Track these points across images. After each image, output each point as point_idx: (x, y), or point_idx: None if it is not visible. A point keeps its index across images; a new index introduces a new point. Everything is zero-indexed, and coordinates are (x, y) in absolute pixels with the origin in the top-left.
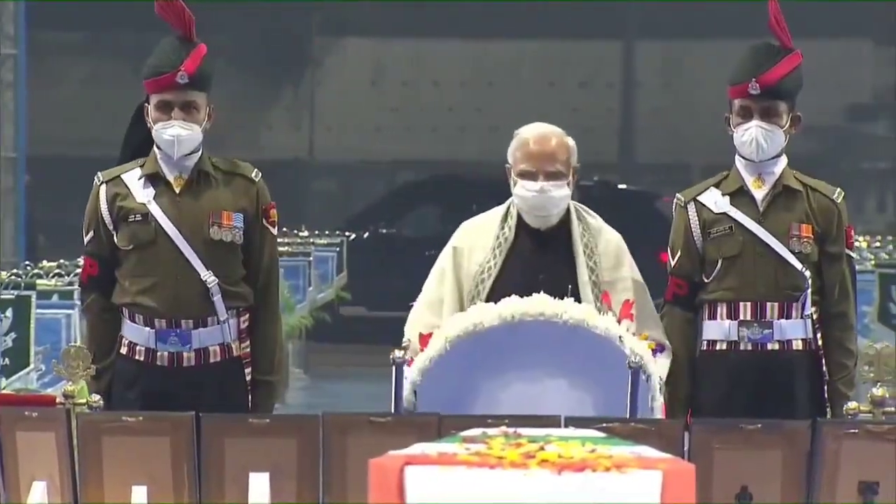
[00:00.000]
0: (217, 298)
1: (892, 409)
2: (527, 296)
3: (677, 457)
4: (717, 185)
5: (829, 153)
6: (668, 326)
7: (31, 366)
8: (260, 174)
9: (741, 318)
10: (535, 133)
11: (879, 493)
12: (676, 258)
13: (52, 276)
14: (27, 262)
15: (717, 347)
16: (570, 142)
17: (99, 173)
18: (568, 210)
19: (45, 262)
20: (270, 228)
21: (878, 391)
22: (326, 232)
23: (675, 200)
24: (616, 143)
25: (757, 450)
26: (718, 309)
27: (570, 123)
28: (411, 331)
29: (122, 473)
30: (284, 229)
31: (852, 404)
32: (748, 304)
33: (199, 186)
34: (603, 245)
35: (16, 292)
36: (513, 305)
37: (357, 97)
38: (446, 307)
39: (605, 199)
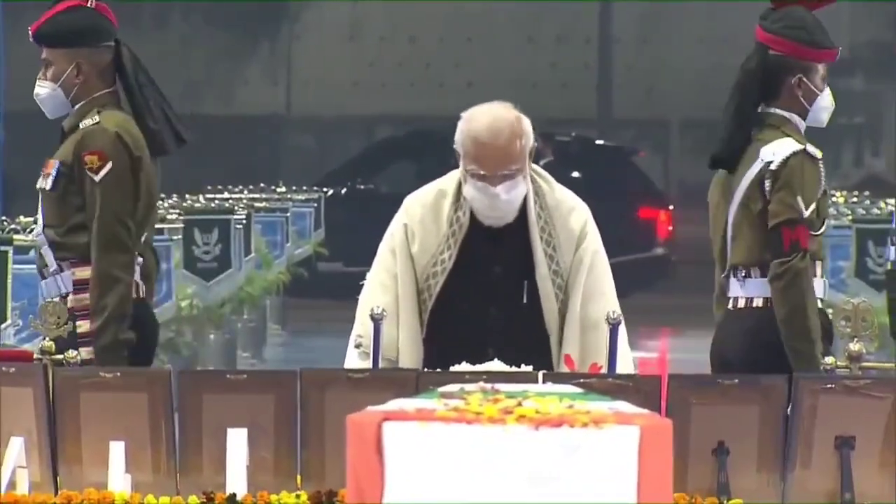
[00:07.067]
0: (45, 249)
1: (869, 363)
2: (480, 294)
3: (655, 412)
4: None
5: None
6: (807, 281)
7: (9, 321)
8: (93, 124)
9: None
10: (486, 129)
11: (856, 447)
12: (810, 210)
13: (30, 232)
14: (4, 218)
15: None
16: (525, 125)
17: None
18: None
19: (22, 218)
20: (91, 175)
21: (855, 346)
22: (304, 188)
23: (805, 150)
24: (594, 99)
25: (734, 405)
26: (817, 268)
27: (547, 79)
28: (364, 318)
29: (99, 429)
30: (262, 185)
31: (829, 359)
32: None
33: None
34: (561, 224)
35: None
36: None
37: (334, 53)
38: (402, 285)
39: (582, 155)
